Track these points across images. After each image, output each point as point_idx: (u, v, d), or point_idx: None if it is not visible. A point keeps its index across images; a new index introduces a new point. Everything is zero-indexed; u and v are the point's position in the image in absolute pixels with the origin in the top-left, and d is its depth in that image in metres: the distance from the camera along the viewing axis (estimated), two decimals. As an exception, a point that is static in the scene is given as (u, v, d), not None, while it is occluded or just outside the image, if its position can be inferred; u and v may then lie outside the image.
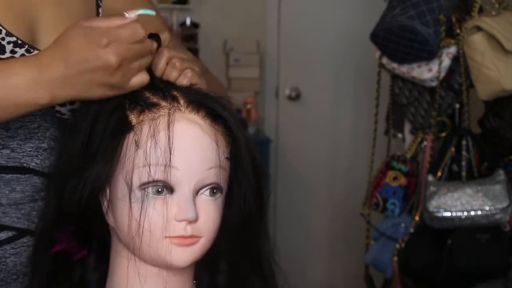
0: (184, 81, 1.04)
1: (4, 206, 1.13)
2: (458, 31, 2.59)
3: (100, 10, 1.23)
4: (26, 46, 1.10)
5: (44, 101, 0.98)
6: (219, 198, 1.00)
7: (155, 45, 1.03)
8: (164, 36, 1.06)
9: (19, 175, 1.13)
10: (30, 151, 1.13)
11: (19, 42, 1.09)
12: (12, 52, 1.08)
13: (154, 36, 1.04)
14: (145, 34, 1.00)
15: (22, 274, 1.14)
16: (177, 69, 1.05)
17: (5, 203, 1.13)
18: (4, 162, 1.12)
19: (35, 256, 1.05)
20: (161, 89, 1.01)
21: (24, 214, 1.14)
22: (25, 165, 1.13)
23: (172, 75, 1.04)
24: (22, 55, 1.09)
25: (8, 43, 1.08)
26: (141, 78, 1.00)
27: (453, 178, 2.61)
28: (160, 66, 1.04)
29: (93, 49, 0.96)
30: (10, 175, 1.12)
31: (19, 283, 1.15)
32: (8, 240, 1.13)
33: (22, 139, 1.13)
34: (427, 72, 2.62)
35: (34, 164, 1.14)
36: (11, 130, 1.11)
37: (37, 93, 0.97)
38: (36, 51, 1.10)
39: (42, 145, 1.14)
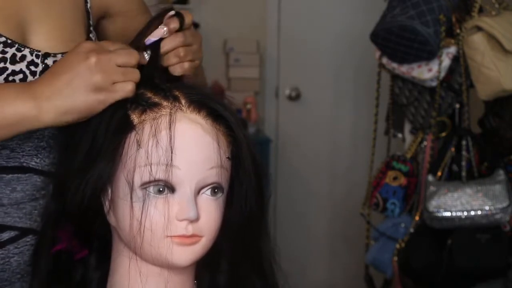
0: (177, 70, 1.06)
1: (6, 206, 1.13)
2: (458, 31, 2.59)
3: (88, 7, 1.24)
4: (16, 45, 1.11)
5: (30, 113, 0.97)
6: (220, 197, 1.01)
7: (175, 25, 1.05)
8: (188, 20, 1.08)
9: (19, 175, 1.13)
10: (29, 150, 1.14)
11: (9, 41, 1.10)
12: (3, 52, 1.09)
13: (178, 15, 1.06)
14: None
15: (26, 273, 1.15)
16: (178, 58, 1.06)
17: (7, 203, 1.13)
18: (4, 162, 1.12)
19: (36, 255, 1.05)
20: (162, 89, 1.01)
21: (26, 213, 1.15)
22: (24, 164, 1.14)
23: (170, 61, 1.06)
24: (13, 54, 1.10)
25: None
26: (129, 86, 0.99)
27: (453, 178, 2.61)
28: (166, 48, 1.05)
29: (77, 55, 1.00)
30: (10, 175, 1.13)
31: (23, 282, 1.16)
32: (11, 240, 1.14)
33: (21, 138, 1.13)
34: (427, 72, 2.63)
35: (34, 163, 1.14)
36: None
37: (24, 104, 0.98)
38: (26, 49, 1.11)
39: (41, 143, 1.15)
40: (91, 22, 1.24)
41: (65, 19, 1.18)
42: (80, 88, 0.97)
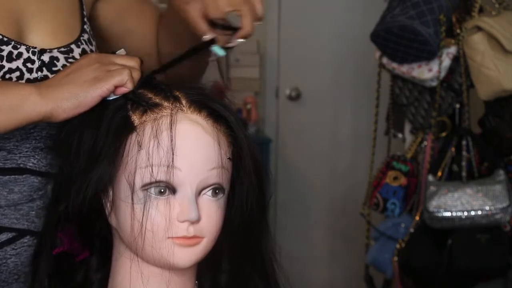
0: None
1: (3, 208, 1.13)
2: (458, 31, 2.60)
3: (83, 2, 1.24)
4: (12, 43, 1.11)
5: (31, 94, 0.97)
6: (221, 198, 1.01)
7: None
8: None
9: (16, 176, 1.13)
10: (27, 151, 1.13)
11: (5, 39, 1.10)
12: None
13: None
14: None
15: (23, 274, 1.15)
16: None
17: (4, 204, 1.13)
18: (1, 164, 1.12)
19: (37, 257, 1.05)
20: (163, 89, 1.01)
21: (23, 214, 1.14)
22: (22, 165, 1.13)
23: None
24: (9, 52, 1.10)
25: None
26: (125, 71, 0.99)
27: (453, 178, 2.61)
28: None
29: (82, 58, 1.03)
30: (7, 177, 1.12)
31: (20, 282, 1.15)
32: (8, 242, 1.13)
33: (18, 140, 1.13)
34: (427, 72, 2.63)
35: (31, 164, 1.14)
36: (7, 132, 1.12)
37: (26, 87, 0.99)
38: (22, 47, 1.12)
39: (39, 144, 1.14)
40: (84, 13, 1.24)
41: (61, 13, 1.19)
42: (79, 78, 0.98)
